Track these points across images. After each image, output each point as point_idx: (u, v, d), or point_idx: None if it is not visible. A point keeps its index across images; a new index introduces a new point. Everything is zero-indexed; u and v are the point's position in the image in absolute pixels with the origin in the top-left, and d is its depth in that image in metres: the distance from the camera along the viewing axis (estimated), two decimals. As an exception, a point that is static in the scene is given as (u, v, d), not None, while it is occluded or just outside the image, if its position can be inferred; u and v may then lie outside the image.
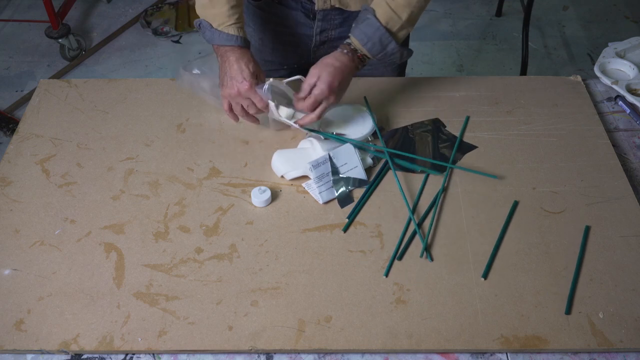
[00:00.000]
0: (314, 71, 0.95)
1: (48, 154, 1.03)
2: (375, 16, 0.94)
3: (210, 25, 0.98)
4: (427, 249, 0.88)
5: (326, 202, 0.95)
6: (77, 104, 1.13)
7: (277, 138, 1.05)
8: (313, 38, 1.16)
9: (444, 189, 0.96)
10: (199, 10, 1.00)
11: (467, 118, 1.08)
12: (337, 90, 0.95)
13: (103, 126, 1.08)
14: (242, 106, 0.99)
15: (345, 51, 0.96)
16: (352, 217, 0.92)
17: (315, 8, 1.09)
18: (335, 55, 0.96)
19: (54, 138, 1.06)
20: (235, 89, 0.97)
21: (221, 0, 0.97)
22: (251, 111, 0.99)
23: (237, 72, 0.96)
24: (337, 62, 0.95)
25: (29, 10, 2.89)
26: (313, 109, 0.96)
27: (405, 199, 0.94)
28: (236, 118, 1.03)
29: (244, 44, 0.99)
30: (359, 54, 0.97)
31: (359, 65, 0.99)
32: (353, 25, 0.98)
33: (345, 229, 0.91)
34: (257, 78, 0.98)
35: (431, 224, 0.91)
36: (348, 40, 0.97)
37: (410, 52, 1.02)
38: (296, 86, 0.99)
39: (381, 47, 0.96)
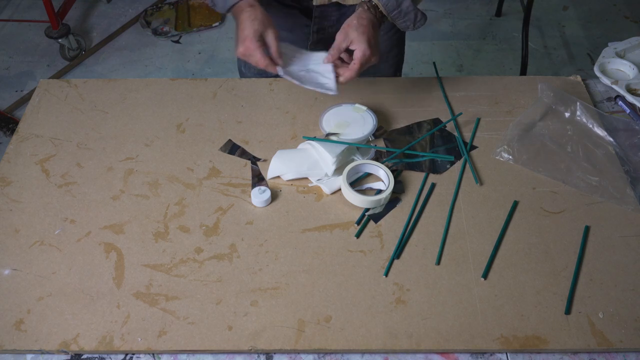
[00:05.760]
0: (343, 34, 0.92)
1: (48, 154, 1.03)
2: None
3: None
4: (440, 254, 0.88)
5: (333, 193, 0.96)
6: (77, 104, 1.13)
7: (277, 138, 1.05)
8: (310, 36, 1.16)
9: (458, 186, 0.97)
10: None
11: (478, 120, 1.08)
12: (375, 48, 0.92)
13: (103, 126, 1.08)
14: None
15: (366, 7, 0.95)
16: (363, 223, 0.92)
17: (314, 3, 1.08)
18: (358, 13, 0.94)
19: (54, 138, 1.06)
20: (239, 49, 0.95)
21: None
22: (261, 66, 0.96)
23: (240, 32, 0.95)
24: (364, 20, 0.93)
25: (28, 10, 2.89)
26: (358, 74, 0.93)
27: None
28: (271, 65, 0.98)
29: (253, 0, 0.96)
30: (379, 10, 0.95)
31: (380, 23, 0.96)
32: None
33: (358, 235, 0.90)
34: (264, 34, 0.95)
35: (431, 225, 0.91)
36: None
37: (424, 18, 1.00)
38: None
39: (396, 3, 0.95)
